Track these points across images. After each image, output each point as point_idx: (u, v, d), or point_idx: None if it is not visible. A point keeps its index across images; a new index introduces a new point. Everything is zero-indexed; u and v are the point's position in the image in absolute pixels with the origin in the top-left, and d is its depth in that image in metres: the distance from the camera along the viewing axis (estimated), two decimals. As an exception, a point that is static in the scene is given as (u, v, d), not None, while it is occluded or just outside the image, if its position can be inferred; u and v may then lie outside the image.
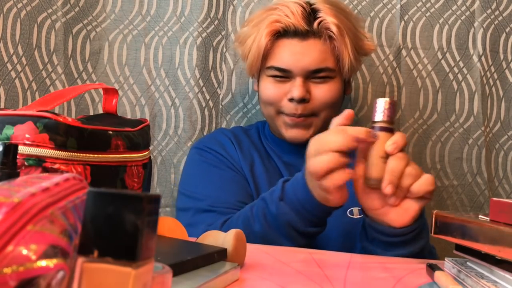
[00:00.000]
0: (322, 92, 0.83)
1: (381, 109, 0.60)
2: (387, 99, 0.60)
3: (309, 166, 0.60)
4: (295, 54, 0.82)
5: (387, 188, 0.58)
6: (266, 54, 0.85)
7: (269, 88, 0.85)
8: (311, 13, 0.83)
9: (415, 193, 0.59)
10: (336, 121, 0.62)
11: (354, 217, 0.82)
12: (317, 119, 0.85)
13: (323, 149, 0.58)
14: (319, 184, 0.60)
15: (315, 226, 0.67)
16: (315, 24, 0.82)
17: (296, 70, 0.82)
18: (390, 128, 0.60)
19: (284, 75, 0.83)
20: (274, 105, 0.85)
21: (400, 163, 0.58)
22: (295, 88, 0.81)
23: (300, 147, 0.82)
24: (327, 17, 0.81)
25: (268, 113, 0.88)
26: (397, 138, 0.59)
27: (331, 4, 0.85)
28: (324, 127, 0.84)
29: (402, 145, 0.59)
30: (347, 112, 0.62)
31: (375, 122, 0.60)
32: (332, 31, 0.81)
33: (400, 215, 0.61)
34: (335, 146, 0.58)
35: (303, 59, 0.82)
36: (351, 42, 0.83)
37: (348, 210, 0.82)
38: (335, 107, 0.86)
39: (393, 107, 0.60)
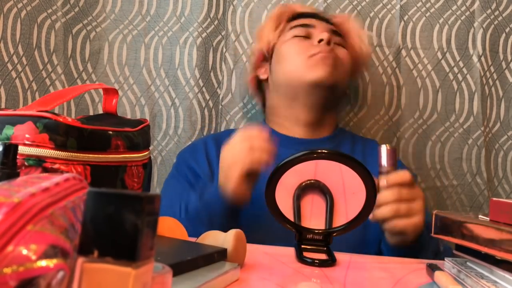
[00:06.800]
0: (340, 52, 0.90)
1: (383, 155, 0.67)
2: (385, 146, 0.68)
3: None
4: (315, 11, 0.97)
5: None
6: (288, 20, 0.94)
7: (293, 45, 0.89)
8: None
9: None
10: None
11: None
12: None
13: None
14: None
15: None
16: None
17: (320, 16, 0.93)
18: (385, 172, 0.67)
19: (308, 31, 0.90)
20: (302, 53, 0.87)
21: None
22: (323, 33, 0.87)
23: (292, 141, 0.90)
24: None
25: (297, 64, 0.87)
26: None
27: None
28: (335, 95, 0.91)
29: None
30: None
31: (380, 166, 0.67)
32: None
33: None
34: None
35: (324, 14, 0.97)
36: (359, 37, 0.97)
37: None
38: (345, 79, 0.92)
39: (392, 153, 0.67)
